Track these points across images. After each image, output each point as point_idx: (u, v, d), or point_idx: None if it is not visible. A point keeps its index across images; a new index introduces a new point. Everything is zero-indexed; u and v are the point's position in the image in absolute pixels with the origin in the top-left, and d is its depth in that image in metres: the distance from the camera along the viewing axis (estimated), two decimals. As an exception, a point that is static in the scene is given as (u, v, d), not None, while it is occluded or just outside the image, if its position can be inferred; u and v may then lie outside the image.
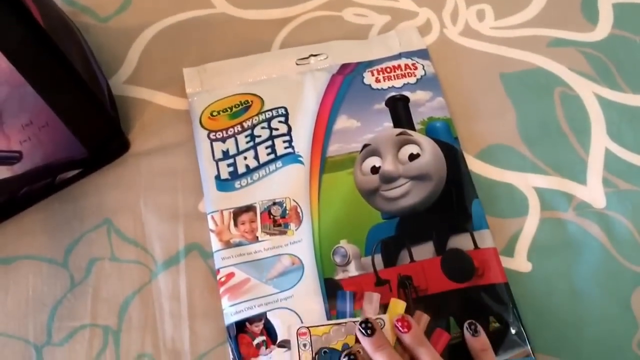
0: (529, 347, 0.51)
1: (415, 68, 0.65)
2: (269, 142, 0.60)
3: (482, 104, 0.64)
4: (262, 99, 0.63)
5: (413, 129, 0.61)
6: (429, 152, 0.58)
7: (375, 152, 0.59)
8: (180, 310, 0.54)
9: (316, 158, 0.59)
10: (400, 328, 0.48)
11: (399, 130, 0.60)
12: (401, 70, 0.65)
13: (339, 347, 0.49)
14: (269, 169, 0.59)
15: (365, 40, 0.68)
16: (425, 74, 0.65)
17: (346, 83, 0.64)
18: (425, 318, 0.51)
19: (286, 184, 0.58)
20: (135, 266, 0.56)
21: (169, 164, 0.61)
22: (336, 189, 0.58)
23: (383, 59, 0.66)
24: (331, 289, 0.53)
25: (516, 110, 0.64)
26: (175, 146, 0.62)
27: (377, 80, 0.64)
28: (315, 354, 0.49)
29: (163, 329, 0.53)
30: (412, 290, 0.52)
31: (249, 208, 0.57)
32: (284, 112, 0.62)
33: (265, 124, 0.61)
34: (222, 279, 0.54)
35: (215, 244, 0.56)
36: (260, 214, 0.57)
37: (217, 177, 0.59)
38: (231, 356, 0.51)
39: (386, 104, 0.62)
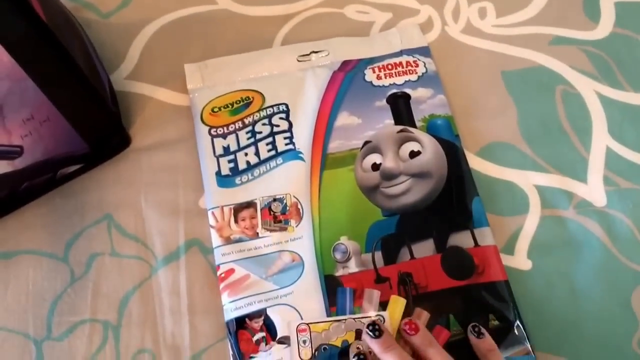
0: (529, 345, 0.51)
1: (417, 65, 0.65)
2: (270, 139, 0.60)
3: (483, 102, 0.64)
4: (263, 95, 0.63)
5: (414, 126, 0.61)
6: (429, 149, 0.58)
7: (376, 149, 0.59)
8: (180, 306, 0.54)
9: (317, 155, 0.59)
10: (408, 331, 0.48)
11: (399, 127, 0.60)
12: (402, 67, 0.65)
13: (338, 343, 0.49)
14: (269, 165, 0.59)
15: (367, 37, 0.68)
16: (426, 71, 0.65)
17: (347, 80, 0.64)
18: (425, 315, 0.51)
19: (287, 180, 0.58)
20: (135, 261, 0.56)
21: (169, 160, 0.61)
22: (337, 186, 0.58)
23: (384, 56, 0.66)
24: (331, 286, 0.53)
25: (517, 108, 0.64)
26: (176, 142, 0.62)
27: (379, 77, 0.64)
28: (315, 351, 0.49)
29: (163, 325, 0.54)
30: (412, 287, 0.52)
31: (250, 204, 0.57)
32: (285, 109, 0.62)
33: (266, 121, 0.61)
34: (222, 275, 0.54)
35: (216, 240, 0.56)
36: (261, 210, 0.57)
37: (218, 173, 0.59)
38: (231, 352, 0.51)
39: (387, 101, 0.62)
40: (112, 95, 0.62)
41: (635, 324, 0.53)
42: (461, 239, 0.55)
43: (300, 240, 0.55)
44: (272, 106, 0.62)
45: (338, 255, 0.54)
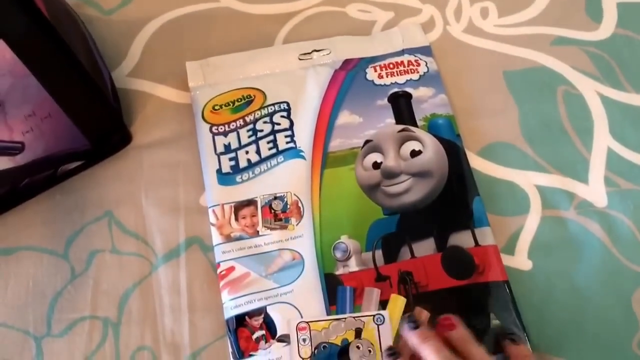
0: (529, 346, 0.51)
1: (418, 65, 0.65)
2: (271, 137, 0.60)
3: (484, 102, 0.64)
4: (264, 93, 0.63)
5: (415, 125, 0.61)
6: (430, 148, 0.58)
7: (377, 148, 0.59)
8: (180, 304, 0.54)
9: (318, 153, 0.59)
10: (448, 327, 0.48)
11: (401, 126, 0.60)
12: (404, 66, 0.65)
13: (338, 342, 0.49)
14: (270, 163, 0.59)
15: (369, 36, 0.68)
16: (428, 70, 0.64)
17: (349, 79, 0.64)
18: (425, 314, 0.51)
19: (287, 178, 0.58)
20: (135, 259, 0.56)
21: (170, 157, 0.61)
22: (337, 185, 0.58)
23: (386, 55, 0.66)
24: (331, 284, 0.53)
25: (519, 108, 0.64)
26: (177, 139, 0.62)
27: (380, 76, 0.64)
28: (315, 349, 0.49)
29: (163, 322, 0.54)
30: (413, 286, 0.52)
31: (250, 202, 0.57)
32: (286, 107, 0.62)
33: (267, 119, 0.61)
34: (223, 273, 0.54)
35: (216, 237, 0.56)
36: (261, 208, 0.57)
37: (219, 171, 0.59)
38: (230, 350, 0.51)
39: (388, 100, 0.62)
40: (114, 93, 0.62)
41: (635, 325, 0.53)
42: (462, 239, 0.55)
43: (301, 238, 0.55)
44: (273, 104, 0.62)
45: (338, 254, 0.54)
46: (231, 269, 0.54)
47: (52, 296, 0.55)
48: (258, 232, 0.56)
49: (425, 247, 0.55)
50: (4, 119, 0.48)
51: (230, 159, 0.59)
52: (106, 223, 0.58)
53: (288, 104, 0.62)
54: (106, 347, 0.53)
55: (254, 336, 0.51)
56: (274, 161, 0.59)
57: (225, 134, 0.61)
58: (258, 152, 0.60)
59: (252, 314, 0.52)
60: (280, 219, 0.56)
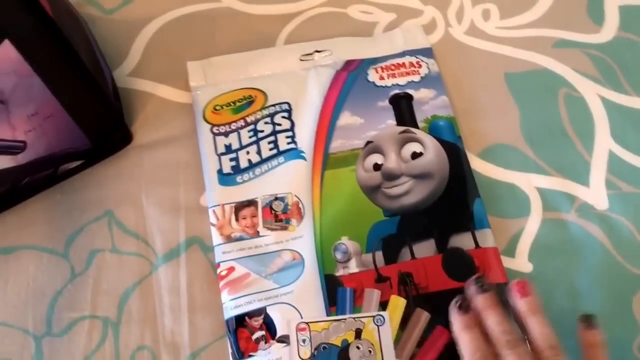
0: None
1: (420, 66, 0.65)
2: (272, 138, 0.60)
3: (486, 104, 0.64)
4: (265, 94, 0.63)
5: (416, 127, 0.61)
6: (431, 150, 0.58)
7: (377, 150, 0.59)
8: (180, 304, 0.54)
9: (319, 154, 0.59)
10: (518, 292, 0.48)
11: (402, 128, 0.60)
12: (405, 68, 0.65)
13: (338, 342, 0.49)
14: (271, 164, 0.59)
15: (370, 38, 0.68)
16: (429, 72, 0.64)
17: (350, 80, 0.64)
18: (425, 316, 0.51)
19: (288, 179, 0.58)
20: (135, 258, 0.56)
21: (171, 157, 0.61)
22: (338, 186, 0.58)
23: (387, 56, 0.66)
24: (331, 285, 0.53)
25: (520, 110, 0.64)
26: (178, 139, 0.62)
27: (381, 78, 0.64)
28: (314, 350, 0.49)
29: (162, 322, 0.53)
30: (413, 287, 0.52)
31: (251, 203, 0.57)
32: (287, 108, 0.62)
33: (268, 119, 0.61)
34: (223, 273, 0.54)
35: (216, 238, 0.56)
36: (262, 209, 0.57)
37: (220, 171, 0.59)
38: (230, 350, 0.51)
39: (390, 102, 0.62)
40: (115, 92, 0.62)
41: (636, 329, 0.53)
42: (462, 241, 0.55)
43: (301, 239, 0.55)
44: (274, 105, 0.62)
45: (339, 255, 0.54)
46: (231, 269, 0.54)
47: (52, 295, 0.54)
48: (258, 232, 0.56)
49: (426, 249, 0.54)
50: (7, 118, 0.48)
51: (231, 160, 0.59)
52: (106, 223, 0.58)
53: (289, 105, 0.62)
54: (106, 346, 0.53)
55: (254, 337, 0.51)
56: (274, 162, 0.59)
57: (226, 134, 0.61)
58: (259, 152, 0.60)
59: (252, 314, 0.52)
60: (281, 220, 0.56)
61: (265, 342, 0.51)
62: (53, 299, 0.54)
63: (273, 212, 0.57)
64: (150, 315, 0.54)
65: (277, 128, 0.61)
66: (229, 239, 0.55)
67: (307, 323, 0.50)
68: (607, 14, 0.70)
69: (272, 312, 0.52)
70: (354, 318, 0.50)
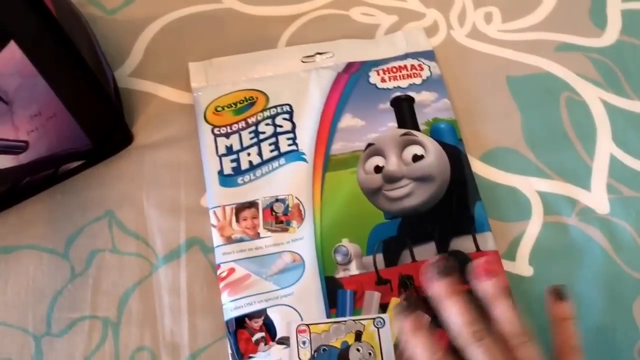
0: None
1: (421, 69, 0.65)
2: (273, 139, 0.60)
3: (487, 107, 0.64)
4: (267, 95, 0.63)
5: (417, 129, 0.60)
6: (433, 153, 0.58)
7: (378, 152, 0.59)
8: (180, 305, 0.54)
9: (320, 156, 0.59)
10: (486, 273, 0.44)
11: (403, 130, 0.60)
12: (407, 70, 0.65)
13: (338, 345, 0.49)
14: (272, 165, 0.59)
15: (372, 40, 0.68)
16: (431, 75, 0.64)
17: (351, 82, 0.64)
18: (426, 318, 0.51)
19: (289, 181, 0.58)
20: (136, 259, 0.56)
21: (172, 158, 0.61)
22: (339, 188, 0.58)
23: (389, 58, 0.66)
24: (332, 287, 0.53)
25: (522, 113, 0.64)
26: (179, 140, 0.62)
27: (383, 80, 0.64)
28: (314, 352, 0.49)
29: (162, 323, 0.53)
30: (413, 290, 0.52)
31: (251, 204, 0.57)
32: (288, 110, 0.62)
33: (269, 121, 0.61)
34: (223, 274, 0.54)
35: (217, 239, 0.56)
36: (263, 210, 0.57)
37: (220, 173, 0.59)
38: (230, 351, 0.51)
39: (391, 104, 0.62)
40: (116, 92, 0.62)
41: (636, 333, 0.53)
42: (463, 244, 0.55)
43: (302, 241, 0.55)
44: (275, 106, 0.62)
45: (339, 257, 0.54)
46: (231, 270, 0.54)
47: (52, 295, 0.54)
48: (259, 234, 0.56)
49: (426, 252, 0.54)
50: (10, 119, 0.48)
51: (232, 161, 0.59)
52: (107, 223, 0.58)
53: (290, 107, 0.62)
54: (106, 347, 0.53)
55: (254, 338, 0.51)
56: (275, 163, 0.59)
57: (227, 135, 0.61)
58: (260, 154, 0.59)
59: (252, 315, 0.52)
60: (282, 222, 0.56)
61: (265, 344, 0.51)
62: (53, 299, 0.54)
63: (274, 213, 0.56)
64: (150, 316, 0.54)
65: (278, 130, 0.61)
66: (229, 240, 0.55)
67: (307, 325, 0.50)
68: (610, 17, 0.70)
69: (272, 314, 0.52)
70: (354, 320, 0.50)
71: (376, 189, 0.57)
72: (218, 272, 0.54)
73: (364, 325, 0.50)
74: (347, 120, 0.61)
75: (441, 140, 0.59)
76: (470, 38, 0.69)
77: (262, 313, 0.52)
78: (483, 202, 0.57)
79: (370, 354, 0.49)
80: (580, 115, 0.64)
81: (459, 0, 0.72)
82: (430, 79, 0.64)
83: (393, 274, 0.53)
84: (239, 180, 0.58)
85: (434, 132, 0.61)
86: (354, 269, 0.54)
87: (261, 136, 0.60)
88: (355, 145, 0.60)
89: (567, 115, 0.63)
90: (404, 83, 0.64)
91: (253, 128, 0.61)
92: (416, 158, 0.58)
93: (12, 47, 0.44)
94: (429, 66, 0.65)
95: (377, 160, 0.58)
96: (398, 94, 0.63)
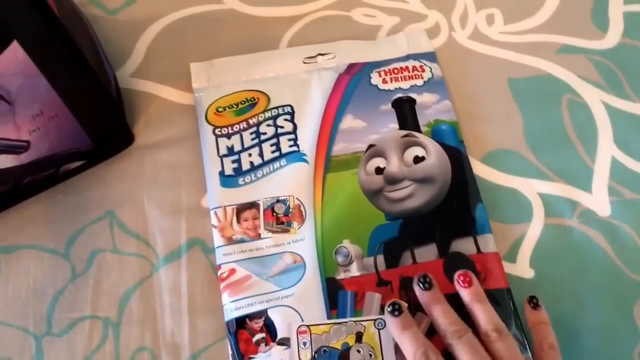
0: (530, 354, 0.50)
1: (423, 70, 0.65)
2: (274, 140, 0.60)
3: (489, 108, 0.64)
4: (268, 96, 0.63)
5: (419, 131, 0.60)
6: (434, 154, 0.58)
7: (380, 153, 0.59)
8: (181, 305, 0.54)
9: (321, 157, 0.59)
10: (461, 283, 0.50)
11: (404, 131, 0.60)
12: (408, 72, 0.65)
13: (338, 346, 0.49)
14: (273, 166, 0.59)
15: (374, 41, 0.68)
16: (432, 76, 0.64)
17: (353, 83, 0.64)
18: (426, 320, 0.51)
19: (290, 182, 0.58)
20: (136, 259, 0.56)
21: (173, 159, 0.61)
22: (340, 189, 0.58)
23: (391, 60, 0.66)
24: (332, 289, 0.53)
25: (523, 115, 0.64)
26: (180, 141, 0.62)
27: (384, 81, 0.64)
28: (315, 353, 0.49)
29: (163, 323, 0.53)
30: (414, 291, 0.52)
31: (252, 205, 0.57)
32: (289, 110, 0.62)
33: (270, 122, 0.61)
34: (224, 275, 0.54)
35: (218, 239, 0.56)
36: (264, 211, 0.57)
37: (221, 173, 0.59)
38: (230, 352, 0.51)
39: (392, 105, 0.62)
40: (117, 92, 0.62)
41: (637, 335, 0.53)
42: (464, 245, 0.55)
43: (303, 242, 0.55)
44: (277, 107, 0.62)
45: (340, 259, 0.54)
46: (232, 271, 0.54)
47: (53, 295, 0.54)
48: (260, 235, 0.56)
49: (427, 253, 0.54)
50: (12, 119, 0.48)
51: (233, 162, 0.59)
52: (107, 223, 0.58)
53: (292, 108, 0.62)
54: (106, 347, 0.53)
55: (254, 339, 0.51)
56: (276, 164, 0.59)
57: (228, 136, 0.61)
58: (261, 155, 0.59)
59: (252, 316, 0.52)
60: (282, 223, 0.56)
61: (266, 345, 0.51)
62: (53, 298, 0.54)
63: (275, 214, 0.56)
64: (150, 316, 0.54)
65: (280, 130, 0.61)
66: (230, 241, 0.55)
67: (307, 326, 0.50)
68: (612, 20, 0.70)
69: (273, 315, 0.51)
70: (354, 321, 0.50)
71: (377, 190, 0.57)
72: (219, 273, 0.54)
73: (365, 327, 0.50)
74: (349, 122, 0.61)
75: (442, 142, 0.59)
76: (471, 40, 0.69)
77: (262, 314, 0.52)
78: (484, 204, 0.57)
79: (370, 355, 0.49)
80: (581, 117, 0.64)
81: (461, 2, 0.72)
82: (431, 81, 0.64)
83: (394, 275, 0.53)
84: (240, 180, 0.58)
85: (435, 133, 0.61)
86: (354, 270, 0.54)
87: (262, 137, 0.60)
88: (356, 147, 0.60)
89: (568, 117, 0.63)
90: (405, 84, 0.64)
91: (254, 129, 0.61)
92: (417, 159, 0.58)
93: (15, 47, 0.44)
94: (430, 68, 0.65)
95: (378, 162, 0.58)
96: (399, 95, 0.63)
